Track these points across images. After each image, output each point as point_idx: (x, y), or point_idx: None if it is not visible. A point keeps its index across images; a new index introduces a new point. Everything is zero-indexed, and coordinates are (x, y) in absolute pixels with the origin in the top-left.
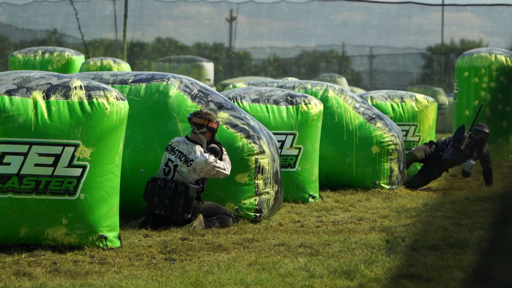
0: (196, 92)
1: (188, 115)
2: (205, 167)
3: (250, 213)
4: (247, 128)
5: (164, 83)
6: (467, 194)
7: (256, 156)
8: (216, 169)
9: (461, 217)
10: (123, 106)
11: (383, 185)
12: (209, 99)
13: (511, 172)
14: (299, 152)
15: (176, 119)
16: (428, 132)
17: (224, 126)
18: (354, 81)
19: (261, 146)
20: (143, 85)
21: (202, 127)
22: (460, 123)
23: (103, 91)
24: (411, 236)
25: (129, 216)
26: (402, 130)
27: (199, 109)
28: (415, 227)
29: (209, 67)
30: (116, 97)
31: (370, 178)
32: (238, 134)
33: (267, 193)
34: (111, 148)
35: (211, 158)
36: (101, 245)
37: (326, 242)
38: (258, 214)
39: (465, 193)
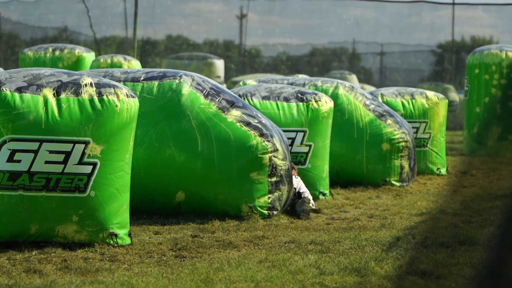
0: (208, 90)
1: None
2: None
3: (263, 211)
4: (260, 126)
5: (177, 81)
6: (478, 191)
7: (270, 155)
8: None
9: (471, 214)
10: (133, 104)
11: (393, 182)
12: (221, 97)
13: None
14: (309, 149)
15: (190, 117)
16: (438, 129)
17: (238, 124)
18: (365, 79)
19: (274, 144)
20: (156, 83)
21: None
22: (470, 120)
23: (113, 88)
24: (421, 233)
25: (142, 213)
26: (413, 127)
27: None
28: (425, 224)
29: (219, 65)
30: (126, 95)
31: (380, 175)
32: (252, 132)
33: (280, 190)
34: (121, 145)
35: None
36: (111, 242)
37: (336, 239)
38: (271, 212)
39: (475, 190)
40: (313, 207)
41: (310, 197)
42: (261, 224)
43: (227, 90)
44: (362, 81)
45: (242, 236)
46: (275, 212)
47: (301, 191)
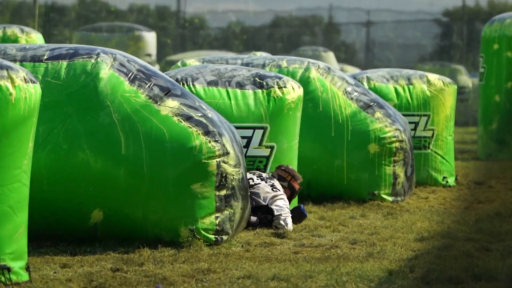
0: (135, 73)
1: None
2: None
3: (209, 235)
4: (204, 121)
5: (92, 60)
6: (498, 208)
7: (218, 159)
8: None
9: (489, 239)
10: (34, 91)
11: (384, 196)
12: (152, 82)
13: None
14: (271, 152)
15: (111, 109)
16: (444, 125)
17: (175, 119)
18: (347, 58)
19: (223, 146)
20: (64, 63)
21: (285, 181)
22: (488, 113)
23: (7, 70)
24: (423, 266)
25: (45, 239)
26: (410, 122)
27: (284, 165)
28: (428, 253)
29: (150, 39)
30: (25, 79)
31: (366, 187)
32: (194, 129)
33: (231, 207)
34: (17, 148)
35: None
36: (3, 278)
37: (307, 274)
38: (220, 237)
39: (495, 207)
40: (288, 227)
41: (289, 220)
42: (206, 253)
43: (160, 73)
44: (342, 61)
45: (180, 269)
46: (224, 237)
47: (274, 207)
